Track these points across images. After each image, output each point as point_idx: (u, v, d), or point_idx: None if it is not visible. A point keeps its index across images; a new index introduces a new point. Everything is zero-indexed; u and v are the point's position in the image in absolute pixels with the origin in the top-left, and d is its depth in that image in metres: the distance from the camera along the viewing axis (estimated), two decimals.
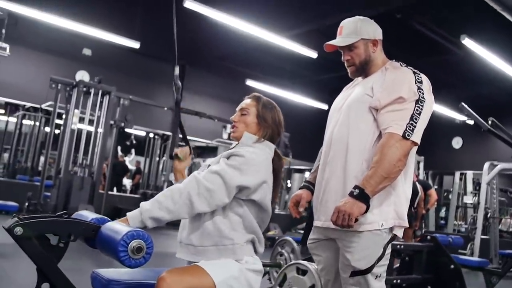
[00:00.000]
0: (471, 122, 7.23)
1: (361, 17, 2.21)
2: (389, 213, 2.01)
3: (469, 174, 12.38)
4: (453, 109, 11.27)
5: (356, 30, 2.14)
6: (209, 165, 1.99)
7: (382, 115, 2.00)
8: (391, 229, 2.02)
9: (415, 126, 1.95)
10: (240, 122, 2.05)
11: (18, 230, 1.64)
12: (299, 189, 2.38)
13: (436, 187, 12.29)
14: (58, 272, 1.77)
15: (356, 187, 1.91)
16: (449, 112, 11.58)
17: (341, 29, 2.19)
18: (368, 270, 1.99)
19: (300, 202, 2.29)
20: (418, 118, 1.96)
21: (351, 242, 2.00)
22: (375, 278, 2.02)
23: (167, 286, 1.71)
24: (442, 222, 13.48)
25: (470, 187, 12.25)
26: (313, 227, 2.24)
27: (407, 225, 2.09)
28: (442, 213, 13.96)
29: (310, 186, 2.31)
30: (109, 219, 1.90)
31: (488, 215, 7.98)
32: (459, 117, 10.51)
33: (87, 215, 1.94)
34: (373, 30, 2.17)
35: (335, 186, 2.08)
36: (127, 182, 14.57)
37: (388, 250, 2.05)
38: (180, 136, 2.28)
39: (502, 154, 9.41)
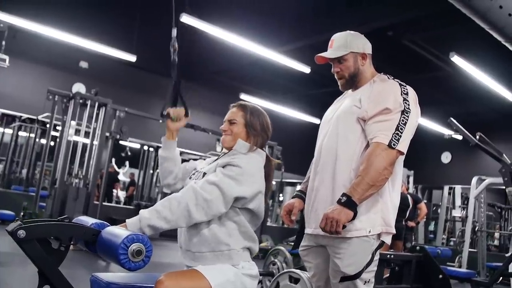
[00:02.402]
0: (459, 137, 7.33)
1: (351, 31, 2.30)
2: (376, 220, 2.07)
3: (458, 188, 12.49)
4: (442, 124, 11.39)
5: (346, 44, 2.22)
6: (204, 173, 2.04)
7: (369, 126, 2.07)
8: (379, 235, 2.08)
9: (400, 136, 2.01)
10: (229, 132, 2.09)
11: (21, 233, 1.68)
12: (292, 198, 2.44)
13: (425, 201, 12.42)
14: (59, 275, 1.81)
15: (343, 194, 1.97)
16: (438, 127, 11.69)
17: (332, 42, 2.27)
18: (357, 275, 2.04)
19: (293, 211, 2.35)
20: (403, 128, 2.03)
21: (340, 249, 2.06)
22: (364, 284, 2.07)
23: None
24: (431, 235, 13.54)
25: (458, 201, 12.35)
26: (304, 234, 2.30)
27: (394, 232, 2.14)
28: (431, 226, 14.03)
29: (302, 195, 2.37)
30: (108, 224, 1.97)
31: (476, 229, 8.07)
32: (447, 132, 10.64)
33: (87, 220, 1.99)
34: (362, 44, 2.25)
35: (324, 194, 2.15)
36: (121, 194, 14.55)
37: (377, 257, 2.11)
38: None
39: (489, 169, 9.53)
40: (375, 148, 2.01)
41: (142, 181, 12.86)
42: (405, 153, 2.07)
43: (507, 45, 5.22)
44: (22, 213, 7.56)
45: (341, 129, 2.16)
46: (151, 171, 12.82)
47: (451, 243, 12.04)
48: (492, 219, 13.23)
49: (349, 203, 1.94)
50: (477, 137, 5.27)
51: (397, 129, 2.02)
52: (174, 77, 2.18)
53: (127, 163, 15.35)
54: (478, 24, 4.89)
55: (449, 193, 12.58)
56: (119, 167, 15.09)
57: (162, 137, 2.19)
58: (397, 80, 2.18)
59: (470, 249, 7.94)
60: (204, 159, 2.34)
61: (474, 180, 8.09)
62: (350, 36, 2.26)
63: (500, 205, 12.80)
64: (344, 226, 1.94)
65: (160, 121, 10.46)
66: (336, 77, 2.29)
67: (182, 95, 2.21)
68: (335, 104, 2.37)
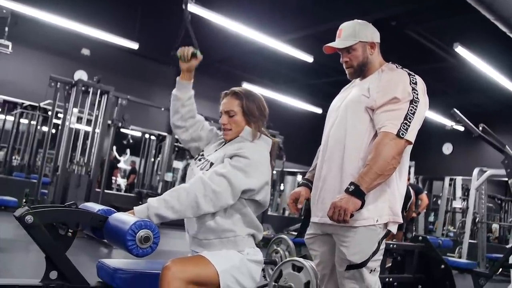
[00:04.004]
0: (461, 128, 7.32)
1: (359, 20, 2.28)
2: (384, 209, 2.08)
3: (458, 179, 12.47)
4: (444, 115, 11.38)
5: (355, 33, 2.21)
6: (212, 163, 2.03)
7: (378, 115, 2.07)
8: (385, 225, 2.09)
9: (409, 126, 2.01)
10: (230, 124, 2.07)
11: (29, 218, 1.70)
12: (298, 186, 2.44)
13: (426, 192, 12.45)
14: (66, 260, 1.83)
15: (351, 183, 1.97)
16: (440, 118, 11.67)
17: (340, 32, 2.25)
18: (363, 264, 2.06)
19: (299, 199, 2.34)
20: (412, 118, 2.02)
21: (347, 237, 2.07)
22: (370, 272, 2.09)
23: (172, 275, 1.76)
24: (431, 226, 13.57)
25: (459, 193, 12.34)
26: (310, 223, 2.30)
27: (401, 221, 2.15)
28: (431, 217, 14.05)
29: (308, 183, 2.37)
30: (114, 210, 1.97)
31: (477, 220, 8.08)
32: (449, 123, 10.64)
33: (94, 206, 2.00)
34: (370, 33, 2.24)
35: (332, 183, 2.15)
36: (121, 181, 14.59)
37: (383, 246, 2.12)
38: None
39: (490, 160, 9.56)
40: (383, 138, 2.01)
41: (143, 169, 12.88)
42: (413, 142, 2.07)
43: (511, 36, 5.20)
44: (24, 200, 7.56)
45: (349, 118, 2.16)
46: (152, 159, 12.83)
47: (451, 233, 12.08)
48: (492, 211, 13.27)
49: (357, 192, 1.94)
50: (480, 128, 5.24)
51: (405, 118, 2.02)
52: (186, 16, 2.13)
53: (128, 151, 15.37)
54: (483, 14, 4.87)
55: (450, 184, 12.57)
56: (120, 155, 15.11)
57: (177, 77, 2.19)
58: (406, 70, 2.17)
59: (470, 240, 7.96)
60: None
61: (476, 171, 8.08)
62: (358, 25, 2.24)
63: (500, 196, 12.85)
64: (351, 215, 1.94)
65: (162, 109, 10.48)
66: (344, 66, 2.28)
67: (192, 34, 2.18)
68: (343, 92, 2.37)
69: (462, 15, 7.26)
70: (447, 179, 12.62)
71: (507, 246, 6.63)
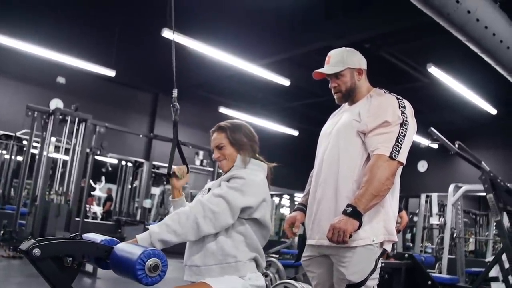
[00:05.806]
0: (435, 146, 7.47)
1: (347, 48, 2.39)
2: (379, 229, 2.14)
3: (434, 196, 12.62)
4: (418, 133, 11.58)
5: (343, 60, 2.31)
6: (209, 189, 2.09)
7: (370, 138, 2.15)
8: (381, 244, 2.15)
9: (400, 147, 2.11)
10: (222, 157, 2.15)
11: (36, 251, 1.69)
12: (293, 211, 2.49)
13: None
14: None
15: (348, 205, 2.03)
16: (415, 136, 11.88)
17: (329, 59, 2.35)
18: (362, 283, 2.10)
19: (295, 224, 2.40)
20: (403, 140, 2.13)
21: (345, 257, 2.12)
22: None
23: None
24: (409, 243, 13.66)
25: (435, 209, 12.49)
26: (306, 245, 2.35)
27: (396, 240, 2.22)
28: (408, 235, 14.14)
29: (303, 208, 2.43)
30: (117, 240, 1.98)
31: (454, 235, 8.18)
32: (424, 141, 10.85)
33: (95, 237, 2.01)
34: (358, 60, 2.35)
35: (327, 205, 2.21)
36: (97, 209, 14.34)
37: (379, 264, 2.17)
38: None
39: (463, 176, 9.77)
40: (377, 160, 2.09)
41: (120, 196, 12.71)
42: (404, 163, 2.15)
43: (483, 56, 5.42)
44: (2, 232, 7.37)
45: (341, 142, 2.23)
46: (129, 186, 12.68)
47: (429, 250, 12.17)
48: (467, 225, 13.46)
49: (354, 213, 2.01)
50: (456, 145, 5.39)
51: (397, 140, 2.11)
52: (175, 135, 2.21)
53: (103, 178, 15.15)
54: (455, 36, 5.08)
55: (426, 201, 12.71)
56: (95, 183, 14.89)
57: (170, 198, 2.26)
58: (394, 94, 2.27)
59: (448, 256, 8.04)
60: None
61: (451, 187, 8.21)
62: (346, 52, 2.35)
63: (474, 211, 13.07)
64: (350, 236, 2.00)
65: (141, 135, 10.44)
66: (332, 91, 2.37)
67: (183, 153, 2.23)
68: (333, 118, 2.45)
69: (434, 36, 7.48)
70: (423, 196, 12.72)
71: (486, 260, 6.75)
